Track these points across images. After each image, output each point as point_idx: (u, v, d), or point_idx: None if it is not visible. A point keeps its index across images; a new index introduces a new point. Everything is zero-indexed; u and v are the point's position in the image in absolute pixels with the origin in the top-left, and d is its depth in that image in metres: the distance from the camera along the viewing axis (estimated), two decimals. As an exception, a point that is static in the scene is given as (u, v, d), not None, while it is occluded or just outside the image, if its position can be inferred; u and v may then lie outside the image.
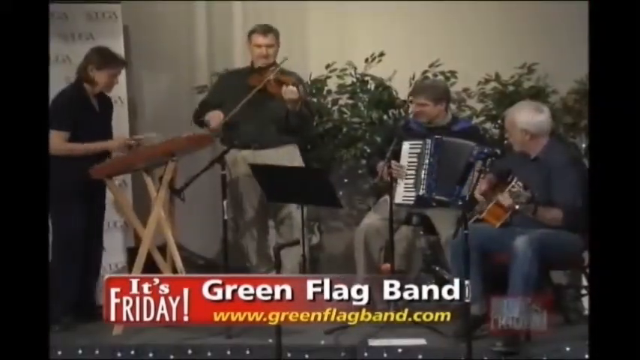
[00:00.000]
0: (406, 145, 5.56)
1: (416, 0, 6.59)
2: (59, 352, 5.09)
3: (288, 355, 4.87)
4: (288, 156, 5.91)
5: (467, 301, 4.56)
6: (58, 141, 5.41)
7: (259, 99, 5.80)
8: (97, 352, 5.09)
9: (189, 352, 5.02)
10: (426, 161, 5.53)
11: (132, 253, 5.79)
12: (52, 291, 5.41)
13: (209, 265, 6.45)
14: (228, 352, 5.01)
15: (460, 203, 5.27)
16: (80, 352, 5.10)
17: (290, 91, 5.69)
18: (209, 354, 5.01)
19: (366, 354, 4.93)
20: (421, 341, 4.98)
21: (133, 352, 5.06)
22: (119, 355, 5.06)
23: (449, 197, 5.43)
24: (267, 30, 5.91)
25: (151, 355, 5.04)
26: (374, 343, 4.99)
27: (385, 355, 4.90)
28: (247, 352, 4.99)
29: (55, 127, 5.42)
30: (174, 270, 5.54)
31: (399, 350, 4.90)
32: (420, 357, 4.86)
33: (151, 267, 5.48)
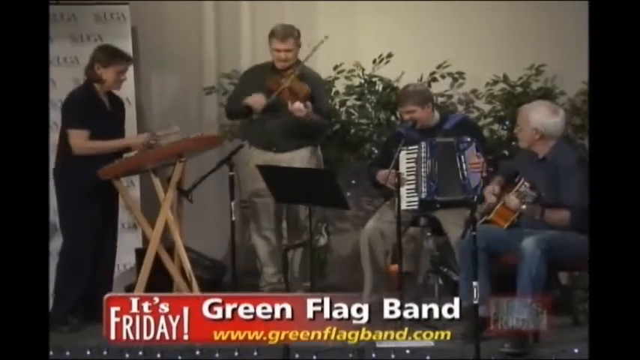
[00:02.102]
0: (403, 152, 5.58)
1: (424, 1, 6.60)
2: (67, 353, 5.10)
3: (296, 355, 4.87)
4: (304, 159, 5.93)
5: (475, 302, 4.57)
6: (79, 140, 5.43)
7: (278, 102, 5.82)
8: (105, 352, 5.08)
9: (197, 352, 5.01)
10: (424, 165, 5.57)
11: (140, 254, 5.81)
12: (61, 292, 5.49)
13: (216, 266, 6.46)
14: (236, 353, 5.00)
15: (474, 198, 5.33)
16: (88, 352, 5.10)
17: (297, 109, 5.71)
18: (217, 355, 5.00)
19: (373, 355, 4.93)
20: (429, 342, 4.98)
21: (141, 353, 5.05)
22: (127, 355, 5.05)
23: (453, 196, 5.47)
24: (286, 35, 5.87)
25: (159, 355, 5.03)
26: (382, 344, 4.98)
27: (393, 356, 4.90)
28: (255, 353, 4.99)
29: (75, 126, 5.45)
30: (182, 271, 5.56)
31: (407, 351, 4.90)
32: (428, 358, 4.86)
33: (158, 268, 5.50)
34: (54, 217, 5.72)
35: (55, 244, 5.79)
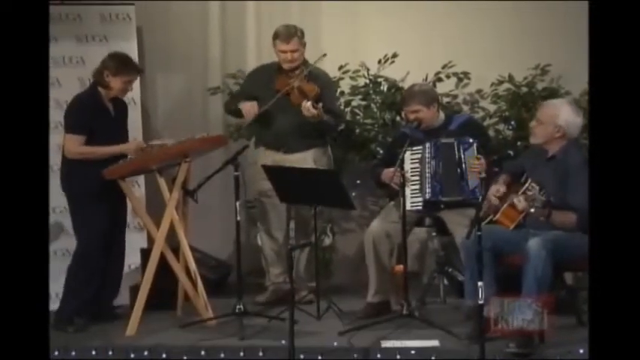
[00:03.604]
0: (408, 153, 5.56)
1: (429, 1, 6.58)
2: (73, 353, 5.10)
3: (301, 356, 4.85)
4: (316, 159, 5.92)
5: (480, 302, 4.55)
6: (72, 145, 5.43)
7: (287, 103, 5.80)
8: (110, 352, 5.09)
9: (203, 353, 5.01)
10: (428, 166, 5.54)
11: (145, 254, 5.79)
12: (71, 292, 5.47)
13: (221, 265, 6.44)
14: (242, 354, 4.99)
15: (474, 197, 5.34)
16: (94, 352, 5.10)
17: (307, 109, 5.69)
18: (222, 355, 5.00)
19: (378, 355, 4.91)
20: (434, 343, 4.96)
21: (146, 353, 5.06)
22: (132, 355, 5.06)
23: (457, 196, 5.46)
24: (289, 36, 5.84)
25: (164, 355, 5.04)
26: (387, 344, 4.98)
27: (398, 356, 4.87)
28: (260, 354, 4.98)
29: (70, 131, 5.45)
30: (187, 271, 5.55)
31: (412, 352, 4.88)
32: (433, 358, 4.84)
33: (164, 268, 5.48)
34: (59, 217, 5.71)
35: (60, 244, 5.79)
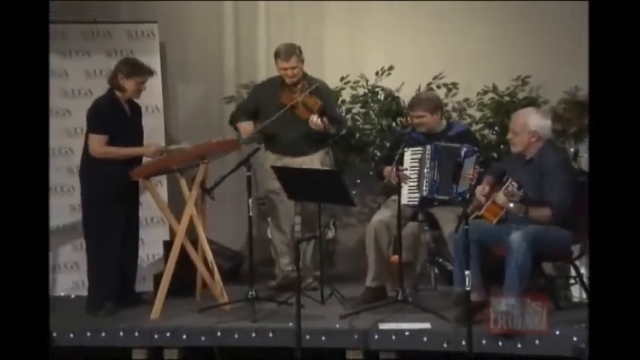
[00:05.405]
0: (408, 153, 5.59)
1: (422, 18, 6.62)
2: (103, 334, 5.15)
3: (307, 337, 4.90)
4: (321, 160, 5.96)
5: (467, 289, 4.59)
6: (98, 144, 5.46)
7: (293, 115, 5.84)
8: (136, 334, 5.15)
9: (219, 334, 5.08)
10: (427, 166, 5.55)
11: (167, 246, 5.84)
12: (95, 280, 5.52)
13: (235, 256, 6.48)
14: (253, 335, 5.05)
15: (460, 199, 5.37)
16: (122, 333, 5.15)
17: (314, 124, 5.75)
18: (236, 336, 5.06)
19: (376, 336, 4.95)
20: (426, 325, 5.00)
21: (168, 334, 5.12)
22: (156, 337, 5.12)
23: (449, 196, 5.48)
24: (288, 54, 5.86)
25: (184, 336, 5.10)
26: (384, 326, 5.01)
27: (394, 337, 4.92)
28: (270, 335, 5.04)
29: (94, 131, 5.48)
30: (205, 261, 5.60)
31: (407, 333, 4.93)
32: (425, 339, 4.89)
33: (184, 258, 5.53)
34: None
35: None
